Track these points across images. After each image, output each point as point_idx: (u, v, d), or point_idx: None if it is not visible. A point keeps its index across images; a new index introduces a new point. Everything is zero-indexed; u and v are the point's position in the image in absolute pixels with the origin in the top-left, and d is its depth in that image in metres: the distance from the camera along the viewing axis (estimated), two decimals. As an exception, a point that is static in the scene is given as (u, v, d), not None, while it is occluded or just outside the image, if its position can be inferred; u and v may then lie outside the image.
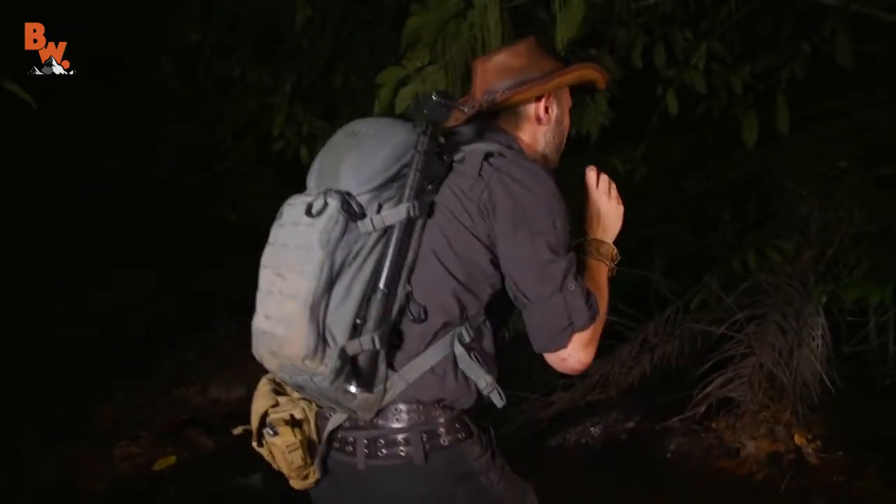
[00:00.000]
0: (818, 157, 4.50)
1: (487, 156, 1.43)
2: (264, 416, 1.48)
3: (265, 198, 3.80)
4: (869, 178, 4.17)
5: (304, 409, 1.50)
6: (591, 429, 3.85)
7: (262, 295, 1.40)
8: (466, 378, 1.42)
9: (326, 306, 1.34)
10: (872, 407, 3.69)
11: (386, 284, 1.35)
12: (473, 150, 1.45)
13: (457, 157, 1.45)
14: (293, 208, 1.40)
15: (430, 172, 1.39)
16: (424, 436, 1.40)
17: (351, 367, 1.35)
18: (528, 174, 1.41)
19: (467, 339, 1.42)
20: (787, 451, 3.42)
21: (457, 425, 1.43)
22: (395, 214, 1.36)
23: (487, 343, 1.46)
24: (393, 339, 1.38)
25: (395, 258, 1.36)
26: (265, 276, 1.41)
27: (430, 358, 1.40)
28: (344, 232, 1.34)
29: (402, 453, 1.40)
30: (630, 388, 3.91)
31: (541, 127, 1.61)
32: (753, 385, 3.42)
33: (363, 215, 1.36)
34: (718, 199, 5.13)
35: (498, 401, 1.43)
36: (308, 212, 1.35)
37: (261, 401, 1.51)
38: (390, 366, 1.39)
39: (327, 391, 1.36)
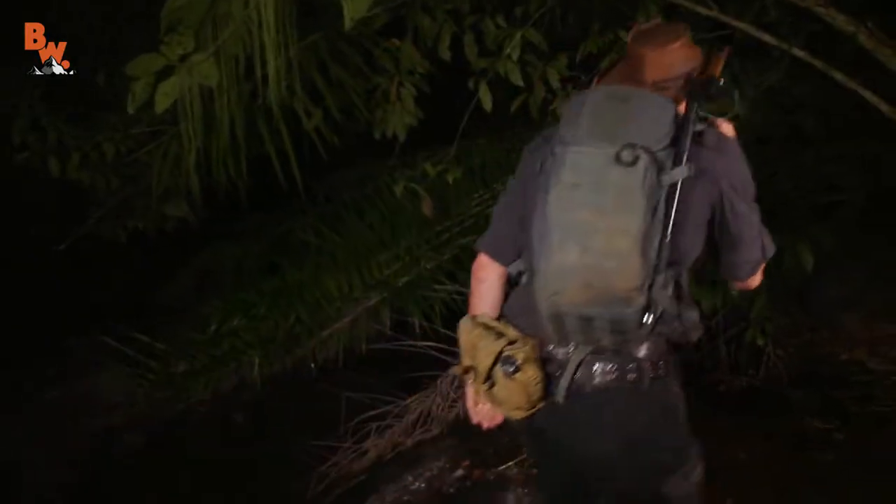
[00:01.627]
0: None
1: (701, 133, 1.70)
2: (499, 353, 1.69)
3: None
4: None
5: (535, 346, 1.73)
6: (413, 483, 3.46)
7: (577, 232, 1.58)
8: (681, 318, 1.72)
9: (650, 244, 1.57)
10: (705, 416, 3.60)
11: (667, 232, 1.61)
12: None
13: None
14: (587, 157, 1.61)
15: (692, 141, 1.66)
16: (650, 364, 1.72)
17: (653, 302, 1.63)
18: (734, 147, 1.76)
19: (684, 286, 1.74)
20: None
21: (670, 359, 1.75)
22: (678, 173, 1.62)
23: (688, 289, 1.77)
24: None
25: (672, 210, 1.61)
26: (576, 215, 1.58)
27: (668, 298, 1.68)
28: (654, 181, 1.58)
29: (631, 378, 1.70)
30: (457, 424, 3.57)
31: None
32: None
33: (662, 170, 1.60)
34: None
35: (698, 334, 1.78)
36: (617, 160, 1.57)
37: (487, 340, 1.73)
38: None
39: (623, 322, 1.61)
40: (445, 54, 4.09)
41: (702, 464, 1.86)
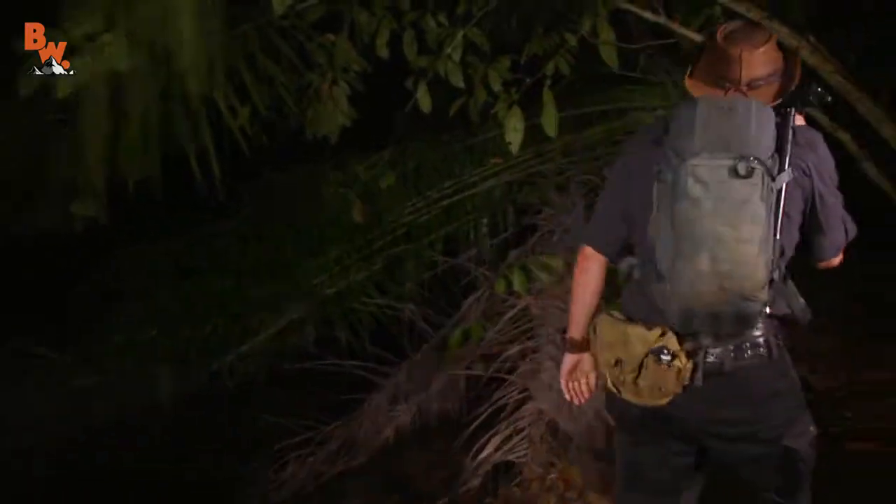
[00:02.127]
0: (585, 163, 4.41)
1: (794, 132, 1.88)
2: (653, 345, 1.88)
3: None
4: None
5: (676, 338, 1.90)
6: (334, 523, 3.21)
7: (707, 243, 1.77)
8: (789, 302, 1.95)
9: (768, 246, 1.80)
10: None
11: (777, 231, 1.83)
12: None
13: None
14: (707, 170, 1.77)
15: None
16: (772, 339, 1.96)
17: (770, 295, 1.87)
18: (821, 141, 1.98)
19: (786, 273, 1.95)
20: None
21: (781, 335, 1.99)
22: (784, 177, 1.83)
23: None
24: None
25: (780, 212, 1.84)
26: (704, 227, 1.77)
27: (781, 288, 1.92)
28: (769, 189, 1.79)
29: (762, 353, 1.95)
30: (383, 453, 3.34)
31: None
32: (535, 441, 3.00)
33: (772, 177, 1.79)
34: (474, 211, 4.81)
35: (805, 317, 1.97)
36: (735, 173, 1.76)
37: (639, 333, 1.91)
38: None
39: (748, 315, 1.85)
40: (383, 52, 3.93)
41: (814, 426, 2.09)
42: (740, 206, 1.76)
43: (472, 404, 3.29)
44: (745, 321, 1.86)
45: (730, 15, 3.79)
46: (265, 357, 4.07)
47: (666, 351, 1.87)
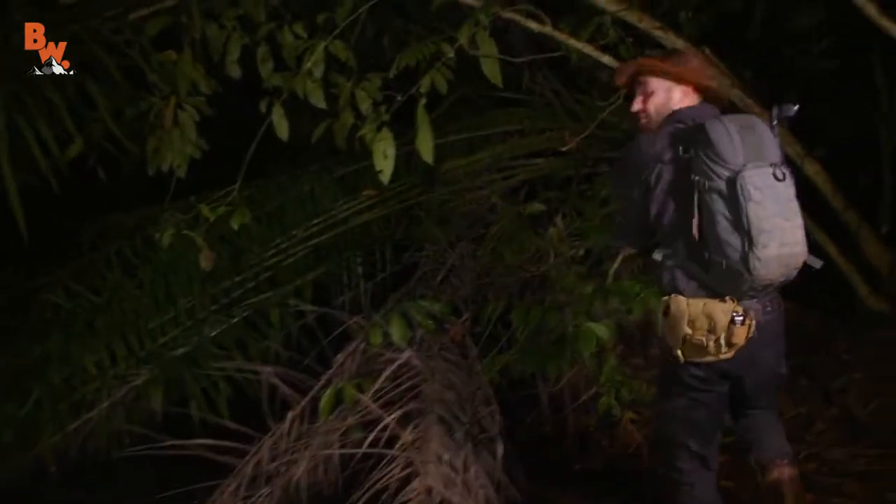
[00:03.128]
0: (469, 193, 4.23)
1: None
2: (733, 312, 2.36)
3: None
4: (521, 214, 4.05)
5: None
6: None
7: (775, 234, 2.23)
8: None
9: None
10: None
11: None
12: None
13: None
14: (760, 178, 2.23)
15: None
16: (779, 296, 2.50)
17: None
18: None
19: None
20: None
21: None
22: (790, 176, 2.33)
23: None
24: None
25: None
26: (773, 221, 2.23)
27: None
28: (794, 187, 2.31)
29: (777, 307, 2.48)
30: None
31: None
32: (426, 525, 2.54)
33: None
34: (347, 250, 4.52)
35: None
36: (775, 177, 2.24)
37: (719, 306, 2.36)
38: None
39: (788, 279, 2.34)
40: (234, 71, 3.49)
41: None
42: (787, 202, 2.26)
43: (349, 484, 2.81)
44: (781, 283, 2.39)
45: (622, 25, 3.57)
46: (99, 435, 3.47)
47: (741, 315, 2.34)
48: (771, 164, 2.24)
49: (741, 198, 2.21)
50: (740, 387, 2.53)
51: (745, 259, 2.25)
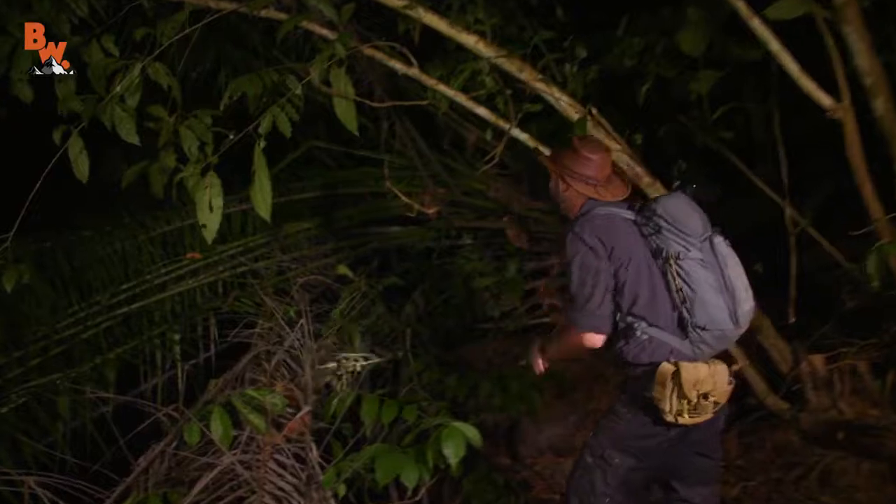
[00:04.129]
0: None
1: None
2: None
3: None
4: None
5: None
6: None
7: (746, 289, 2.49)
8: None
9: None
10: None
11: None
12: None
13: None
14: (720, 243, 2.49)
15: None
16: None
17: None
18: None
19: None
20: None
21: None
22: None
23: None
24: None
25: None
26: (736, 273, 2.49)
27: None
28: None
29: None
30: None
31: None
32: None
33: None
34: (164, 323, 3.91)
35: None
36: (725, 243, 2.52)
37: (718, 369, 2.50)
38: None
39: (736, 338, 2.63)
40: (25, 95, 2.88)
41: None
42: (734, 258, 2.51)
43: None
44: (731, 343, 2.75)
45: (501, 73, 3.21)
46: None
47: (734, 375, 2.54)
48: (713, 231, 2.53)
49: (721, 263, 2.48)
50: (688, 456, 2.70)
51: (734, 316, 2.50)
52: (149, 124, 2.93)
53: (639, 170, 3.27)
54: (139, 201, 3.67)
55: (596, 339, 2.57)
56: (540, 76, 3.24)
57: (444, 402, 3.18)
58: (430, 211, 3.71)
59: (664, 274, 2.52)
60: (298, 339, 3.39)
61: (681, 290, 2.48)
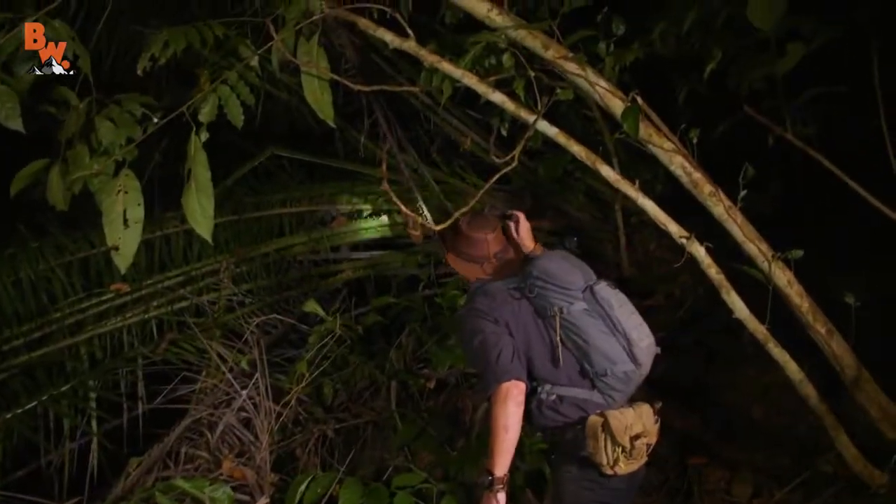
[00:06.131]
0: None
1: None
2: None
3: None
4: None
5: None
6: None
7: (641, 327, 2.50)
8: None
9: None
10: None
11: None
12: None
13: None
14: (605, 289, 2.50)
15: None
16: None
17: None
18: None
19: None
20: None
21: None
22: None
23: None
24: None
25: None
26: (624, 312, 2.48)
27: None
28: None
29: None
30: None
31: None
32: None
33: None
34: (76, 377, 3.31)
35: None
36: (611, 287, 2.53)
37: (645, 410, 2.51)
38: None
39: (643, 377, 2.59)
40: None
41: None
42: (630, 304, 2.54)
43: None
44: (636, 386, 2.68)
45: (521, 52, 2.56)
46: None
47: (656, 415, 2.56)
48: (594, 278, 2.58)
49: (605, 308, 2.52)
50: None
51: (631, 355, 2.52)
52: (49, 109, 2.31)
53: (696, 176, 2.65)
54: (71, 216, 3.01)
55: (518, 388, 2.47)
56: (571, 54, 2.61)
57: (447, 481, 2.64)
58: (416, 233, 3.28)
59: (553, 331, 2.56)
60: (253, 399, 2.83)
61: (574, 342, 2.54)
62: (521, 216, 2.77)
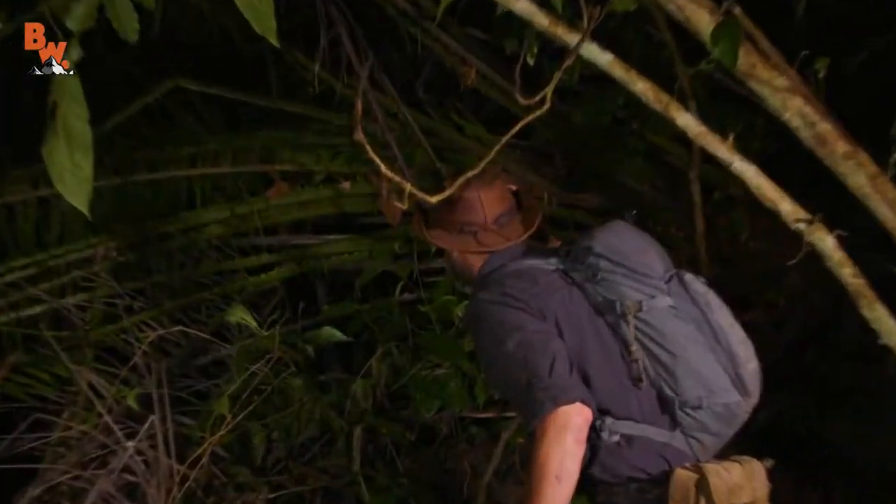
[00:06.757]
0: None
1: None
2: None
3: None
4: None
5: None
6: None
7: (745, 342, 2.45)
8: None
9: None
10: None
11: None
12: None
13: None
14: (697, 282, 2.50)
15: None
16: None
17: None
18: None
19: None
20: None
21: None
22: None
23: None
24: None
25: None
26: (727, 319, 2.45)
27: None
28: None
29: None
30: None
31: None
32: None
33: None
34: None
35: None
36: (703, 283, 2.60)
37: (756, 467, 2.52)
38: None
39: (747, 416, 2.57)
40: None
41: None
42: (723, 303, 2.48)
43: None
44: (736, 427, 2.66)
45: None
46: None
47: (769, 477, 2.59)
48: (676, 269, 2.54)
49: (702, 308, 2.46)
50: None
51: (737, 381, 2.45)
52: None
53: (824, 128, 2.61)
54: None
55: (584, 416, 2.37)
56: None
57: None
58: (393, 208, 3.68)
59: (622, 337, 2.50)
60: (143, 455, 2.91)
61: (652, 354, 2.48)
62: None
